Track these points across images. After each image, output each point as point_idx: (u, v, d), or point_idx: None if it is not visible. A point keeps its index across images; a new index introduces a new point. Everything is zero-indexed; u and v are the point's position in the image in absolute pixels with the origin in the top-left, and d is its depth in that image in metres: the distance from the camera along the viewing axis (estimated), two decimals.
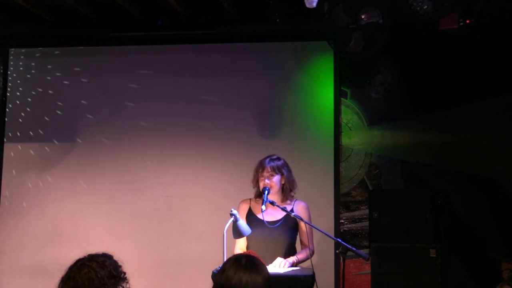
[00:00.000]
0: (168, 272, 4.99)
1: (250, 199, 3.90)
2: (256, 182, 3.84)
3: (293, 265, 3.64)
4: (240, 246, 3.81)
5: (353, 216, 4.92)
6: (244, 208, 3.85)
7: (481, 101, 4.74)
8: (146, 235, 5.09)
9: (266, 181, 3.74)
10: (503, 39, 4.68)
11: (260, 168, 3.79)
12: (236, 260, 2.13)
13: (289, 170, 3.85)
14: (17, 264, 5.19)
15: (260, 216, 3.75)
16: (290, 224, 3.76)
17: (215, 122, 5.12)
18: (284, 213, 3.70)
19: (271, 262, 3.62)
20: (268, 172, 3.75)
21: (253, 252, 2.29)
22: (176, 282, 4.89)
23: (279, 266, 3.55)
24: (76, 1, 4.83)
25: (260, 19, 4.88)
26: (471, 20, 4.17)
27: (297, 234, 3.84)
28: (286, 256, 3.70)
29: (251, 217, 3.80)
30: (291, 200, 3.85)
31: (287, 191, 3.83)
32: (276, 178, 3.77)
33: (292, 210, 3.75)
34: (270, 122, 5.08)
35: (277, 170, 3.78)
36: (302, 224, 3.68)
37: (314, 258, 3.61)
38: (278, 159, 3.84)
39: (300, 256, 3.74)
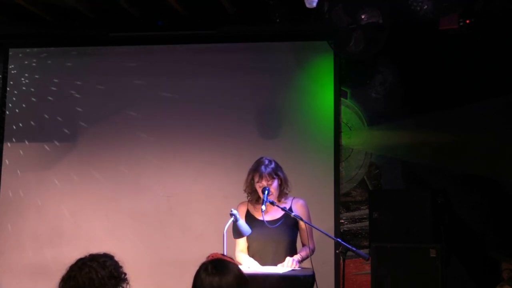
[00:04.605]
0: (168, 272, 4.99)
1: (248, 201, 3.89)
2: (250, 188, 3.81)
3: (299, 263, 3.65)
4: (241, 248, 3.80)
5: (353, 216, 4.92)
6: (242, 210, 3.84)
7: (481, 101, 4.75)
8: (146, 235, 5.09)
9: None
10: (503, 39, 4.69)
11: (257, 177, 3.75)
12: (204, 270, 2.18)
13: (282, 170, 3.84)
14: (17, 264, 5.19)
15: (260, 217, 3.74)
16: (290, 223, 3.76)
17: (215, 122, 5.12)
18: (283, 212, 3.70)
19: (273, 262, 3.63)
20: (267, 180, 3.72)
21: (216, 255, 2.31)
22: (176, 282, 4.89)
23: (290, 265, 3.54)
24: (76, 1, 4.83)
25: (260, 19, 4.87)
26: (471, 20, 4.17)
27: (297, 233, 3.84)
28: (287, 255, 3.69)
29: (250, 219, 3.79)
30: (286, 198, 3.84)
31: (283, 190, 3.82)
32: (275, 183, 3.76)
33: (290, 208, 3.75)
34: (270, 122, 5.08)
35: (274, 175, 3.76)
36: (302, 223, 3.67)
37: (314, 258, 3.60)
38: (271, 162, 3.81)
39: (303, 253, 3.74)
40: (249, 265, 3.60)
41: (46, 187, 5.27)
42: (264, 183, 3.71)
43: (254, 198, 3.83)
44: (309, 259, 3.63)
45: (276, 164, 3.82)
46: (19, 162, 5.34)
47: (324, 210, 4.83)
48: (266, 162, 3.79)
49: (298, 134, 5.02)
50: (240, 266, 2.33)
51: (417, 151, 4.86)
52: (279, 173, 3.79)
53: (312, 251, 3.78)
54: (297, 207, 3.81)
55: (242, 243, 3.79)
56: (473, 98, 4.76)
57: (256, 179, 3.74)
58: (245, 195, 3.88)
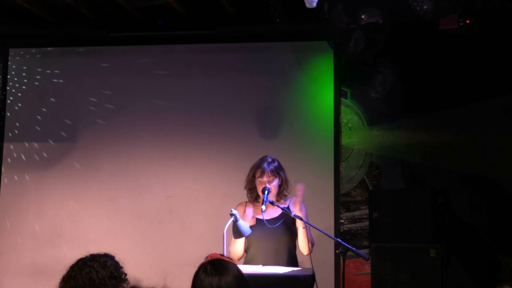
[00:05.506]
0: (168, 272, 4.99)
1: (246, 202, 3.88)
2: (250, 185, 3.82)
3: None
4: (237, 247, 3.79)
5: (353, 216, 4.92)
6: (241, 211, 3.82)
7: (481, 101, 4.75)
8: (146, 235, 5.09)
9: (267, 185, 3.73)
10: (503, 39, 4.69)
11: (258, 172, 3.76)
12: (203, 271, 2.19)
13: (284, 171, 3.85)
14: (17, 264, 5.19)
15: (259, 216, 3.74)
16: (290, 222, 3.76)
17: (215, 122, 5.11)
18: (281, 211, 3.70)
19: (273, 261, 3.63)
20: (269, 176, 3.73)
21: (215, 255, 2.32)
22: (176, 282, 4.89)
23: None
24: (76, 1, 4.83)
25: (260, 19, 4.88)
26: (471, 20, 4.17)
27: (296, 232, 3.83)
28: (287, 254, 3.71)
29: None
30: (285, 199, 3.84)
31: (282, 191, 3.83)
32: (276, 182, 3.76)
33: (288, 208, 3.75)
34: (270, 122, 5.08)
35: (276, 173, 3.77)
36: (299, 222, 3.68)
37: (314, 258, 3.60)
38: (274, 161, 3.83)
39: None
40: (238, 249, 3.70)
41: (46, 187, 5.27)
42: (265, 179, 3.72)
43: (253, 196, 3.84)
44: (309, 259, 3.63)
45: (279, 164, 3.84)
46: (19, 161, 5.33)
47: (324, 210, 4.83)
48: (270, 160, 3.82)
49: (298, 134, 5.02)
50: (239, 266, 2.33)
51: (417, 151, 4.86)
52: (281, 173, 3.80)
53: (312, 245, 3.77)
54: (296, 208, 3.80)
55: (238, 241, 3.78)
56: (473, 98, 4.76)
57: (258, 175, 3.75)
58: (245, 194, 3.88)
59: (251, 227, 3.68)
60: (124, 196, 5.16)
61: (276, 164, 3.81)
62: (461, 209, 4.68)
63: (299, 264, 3.81)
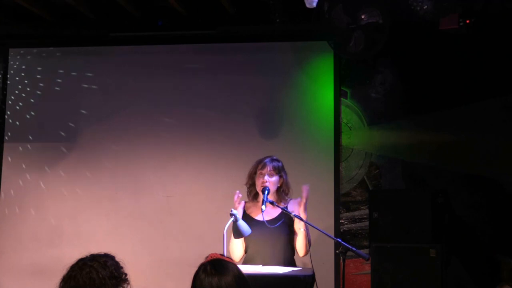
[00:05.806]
0: (168, 272, 4.99)
1: (245, 202, 3.88)
2: (251, 180, 3.82)
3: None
4: (237, 248, 3.80)
5: (353, 216, 4.93)
6: (239, 212, 3.82)
7: (480, 101, 4.75)
8: (146, 235, 5.09)
9: (266, 177, 3.72)
10: (503, 39, 4.69)
11: (259, 165, 3.78)
12: (203, 271, 2.19)
13: (286, 173, 3.85)
14: (17, 264, 5.19)
15: (258, 217, 3.74)
16: (289, 223, 3.76)
17: (215, 122, 5.12)
18: (282, 212, 3.70)
19: (272, 261, 3.63)
20: (270, 170, 3.75)
21: (215, 255, 2.32)
22: (176, 282, 4.89)
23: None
24: (76, 1, 4.84)
25: (260, 19, 4.88)
26: (471, 20, 4.17)
27: (294, 231, 3.83)
28: (286, 254, 3.70)
29: (248, 220, 3.77)
30: (285, 202, 3.83)
31: (282, 194, 3.82)
32: (275, 179, 3.76)
33: (287, 208, 3.74)
34: (270, 122, 5.08)
35: (277, 171, 3.78)
36: (298, 223, 3.68)
37: (314, 258, 3.60)
38: (278, 160, 3.85)
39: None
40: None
41: (46, 187, 5.27)
42: (264, 172, 3.73)
43: (252, 193, 3.84)
44: (309, 259, 3.64)
45: (283, 165, 3.85)
46: (20, 162, 5.34)
47: (324, 210, 4.83)
48: (274, 157, 3.85)
49: (298, 134, 5.03)
50: (239, 266, 2.33)
51: (417, 151, 4.86)
52: (282, 173, 3.81)
53: (309, 244, 3.76)
54: (294, 208, 3.80)
55: (238, 241, 3.79)
56: (473, 98, 4.76)
57: (259, 167, 3.77)
58: (245, 194, 3.87)
59: (251, 227, 3.68)
60: (124, 196, 5.16)
61: (279, 163, 3.83)
62: (461, 209, 4.68)
63: (298, 264, 3.81)
